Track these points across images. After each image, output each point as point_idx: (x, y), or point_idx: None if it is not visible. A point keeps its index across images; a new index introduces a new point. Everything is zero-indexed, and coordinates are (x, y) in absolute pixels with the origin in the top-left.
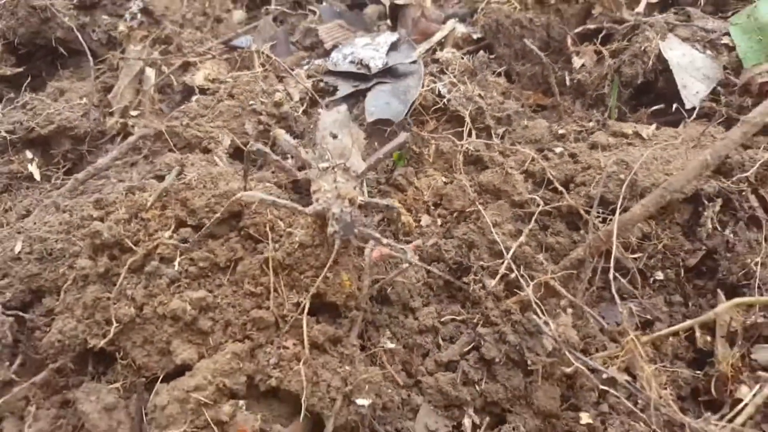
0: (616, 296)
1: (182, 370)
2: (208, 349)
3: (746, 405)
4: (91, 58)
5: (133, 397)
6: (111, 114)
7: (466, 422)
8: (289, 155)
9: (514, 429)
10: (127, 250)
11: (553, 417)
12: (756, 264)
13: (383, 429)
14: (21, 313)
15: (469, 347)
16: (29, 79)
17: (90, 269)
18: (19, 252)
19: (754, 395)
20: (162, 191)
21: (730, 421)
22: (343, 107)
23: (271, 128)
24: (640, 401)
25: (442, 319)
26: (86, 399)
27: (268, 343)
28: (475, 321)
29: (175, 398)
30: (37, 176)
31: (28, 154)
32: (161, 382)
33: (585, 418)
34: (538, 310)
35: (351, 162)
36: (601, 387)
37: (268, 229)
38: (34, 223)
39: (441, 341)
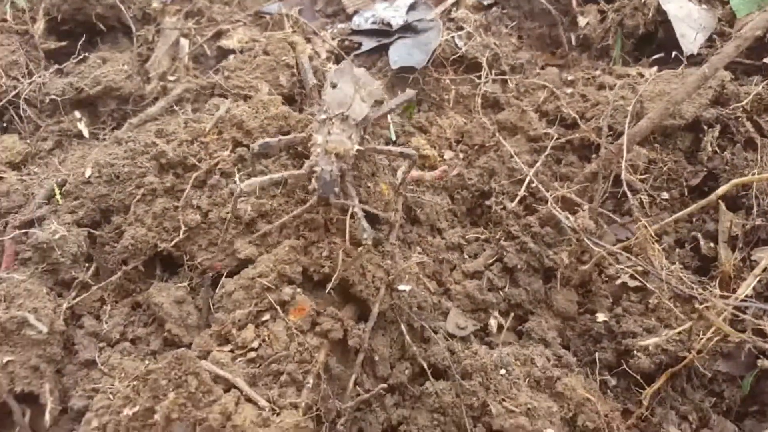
0: (626, 188)
1: (243, 268)
2: (267, 248)
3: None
4: (133, 26)
5: (200, 292)
6: (149, 80)
7: (492, 322)
8: None
9: (536, 325)
10: (190, 168)
11: (570, 319)
12: (753, 175)
13: (419, 324)
14: (92, 230)
15: (493, 259)
16: (74, 51)
17: (157, 185)
18: (89, 176)
19: (753, 269)
20: (218, 118)
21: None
22: (362, 69)
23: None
24: (651, 301)
25: (467, 237)
26: (158, 294)
27: (319, 241)
28: (497, 238)
29: (241, 285)
30: (86, 133)
31: (77, 114)
32: (225, 278)
33: (601, 317)
34: (558, 209)
35: (352, 109)
36: (617, 267)
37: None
38: (100, 154)
39: (466, 257)
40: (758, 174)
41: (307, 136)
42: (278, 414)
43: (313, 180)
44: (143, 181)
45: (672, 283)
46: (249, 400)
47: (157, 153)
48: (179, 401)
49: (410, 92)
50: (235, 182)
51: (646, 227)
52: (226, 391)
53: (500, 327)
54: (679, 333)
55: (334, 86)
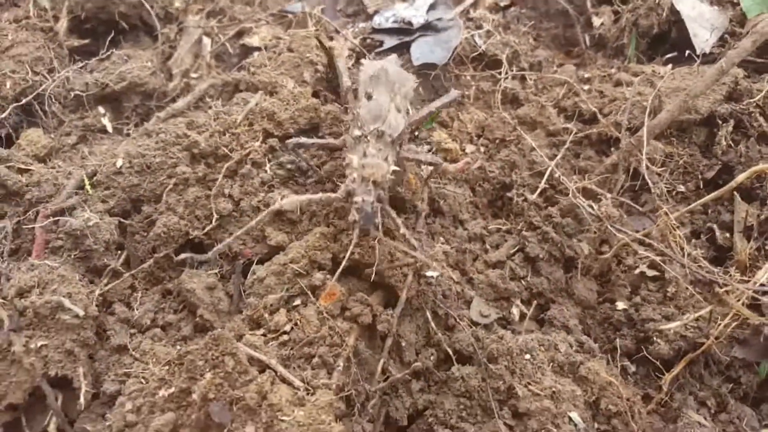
0: (647, 176)
1: (274, 255)
2: (297, 235)
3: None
4: (157, 23)
5: (231, 279)
6: (172, 78)
7: (515, 311)
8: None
9: (558, 313)
10: (221, 158)
11: (591, 308)
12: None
13: (444, 312)
14: (122, 220)
15: (515, 249)
16: (96, 49)
17: (189, 174)
18: (120, 166)
19: None
20: (249, 110)
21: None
22: (393, 56)
23: (325, 77)
24: (669, 290)
25: (489, 228)
26: (190, 280)
27: (349, 228)
28: (519, 228)
29: (272, 271)
30: (110, 129)
31: (101, 110)
32: (256, 264)
33: (621, 305)
34: (581, 198)
35: (387, 123)
36: (638, 255)
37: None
38: (131, 146)
39: (488, 247)
40: None
41: (340, 145)
42: (312, 394)
43: (353, 212)
44: (175, 171)
45: (692, 268)
46: (284, 380)
47: (190, 143)
48: (216, 381)
49: (454, 92)
50: (266, 170)
51: (666, 214)
52: (261, 371)
53: (522, 315)
54: (698, 319)
55: (369, 98)
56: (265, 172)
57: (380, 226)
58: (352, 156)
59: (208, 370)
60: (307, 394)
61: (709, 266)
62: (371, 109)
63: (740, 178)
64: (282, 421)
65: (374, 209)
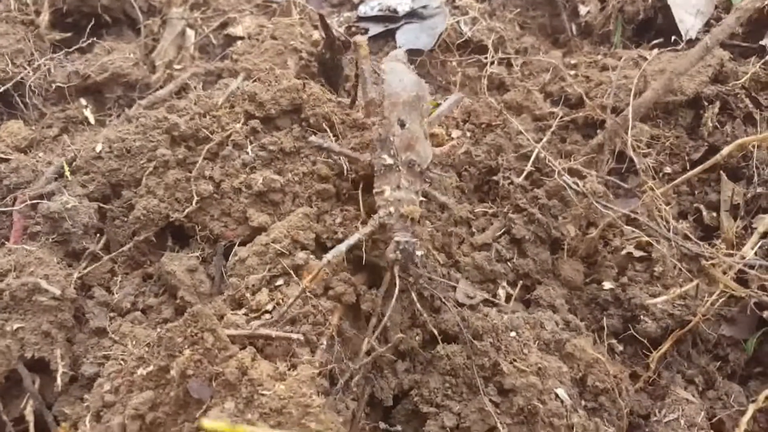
0: (631, 153)
1: (256, 237)
2: (279, 216)
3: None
4: (140, 15)
5: (212, 262)
6: (155, 69)
7: (501, 292)
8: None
9: (544, 293)
10: (202, 140)
11: (577, 289)
12: (753, 146)
13: (429, 293)
14: (102, 205)
15: (501, 232)
16: (78, 42)
17: (170, 157)
18: (100, 151)
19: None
20: (230, 92)
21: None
22: (401, 51)
23: (310, 65)
24: (656, 269)
25: (475, 212)
26: (170, 263)
27: (332, 209)
28: (505, 211)
29: (254, 252)
30: (92, 120)
31: (83, 102)
32: (238, 246)
33: (608, 285)
34: (567, 176)
35: (417, 152)
36: (627, 232)
37: (324, 120)
38: (111, 131)
39: (474, 231)
40: (758, 143)
41: (363, 162)
42: (294, 369)
43: (393, 249)
44: (155, 154)
45: (678, 242)
46: (265, 357)
47: (170, 126)
48: (195, 357)
49: (458, 95)
50: (247, 152)
51: (652, 189)
52: (242, 348)
53: (508, 297)
54: (685, 297)
55: (402, 125)
56: (247, 153)
57: (419, 263)
58: (384, 186)
59: (186, 347)
60: (289, 369)
61: (695, 239)
62: (404, 137)
63: (725, 151)
64: (262, 395)
65: (414, 248)
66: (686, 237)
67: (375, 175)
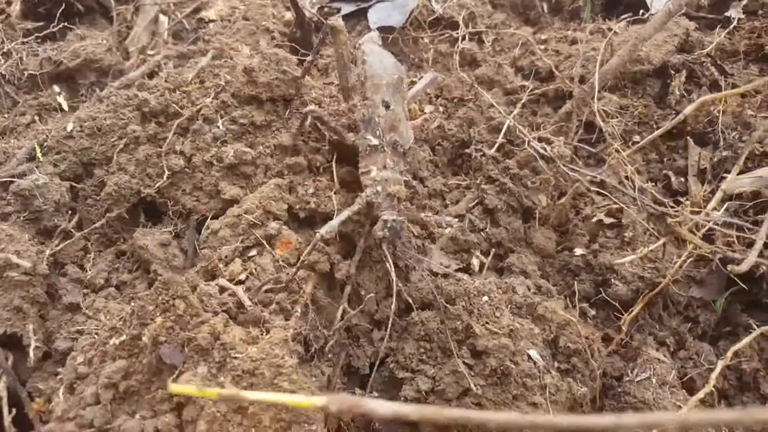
0: (597, 118)
1: (228, 209)
2: (252, 188)
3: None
4: (113, 3)
5: (185, 236)
6: (129, 56)
7: (474, 261)
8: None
9: (516, 260)
10: (172, 116)
11: (549, 256)
12: (718, 111)
13: (403, 263)
14: (74, 184)
15: (474, 203)
16: (51, 32)
17: (140, 132)
18: (71, 130)
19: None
20: (200, 68)
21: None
22: (375, 34)
23: (282, 45)
24: (626, 235)
25: (448, 184)
26: (143, 237)
27: (304, 180)
28: (478, 182)
29: (227, 224)
30: (65, 107)
31: (56, 89)
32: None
33: (579, 251)
34: (536, 143)
35: (400, 134)
36: (592, 189)
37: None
38: (82, 111)
39: (448, 203)
40: (722, 107)
41: (348, 141)
42: (266, 333)
43: (380, 228)
44: (125, 131)
45: (644, 202)
46: (238, 323)
47: (140, 102)
48: (167, 324)
49: (432, 75)
50: (218, 126)
51: (618, 151)
52: (214, 315)
53: (482, 266)
54: (655, 260)
55: (387, 107)
56: (218, 127)
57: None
58: (371, 166)
59: (158, 314)
60: (261, 334)
61: (660, 198)
62: (388, 119)
63: (688, 110)
64: (235, 358)
65: (401, 226)
66: (652, 197)
67: (360, 155)
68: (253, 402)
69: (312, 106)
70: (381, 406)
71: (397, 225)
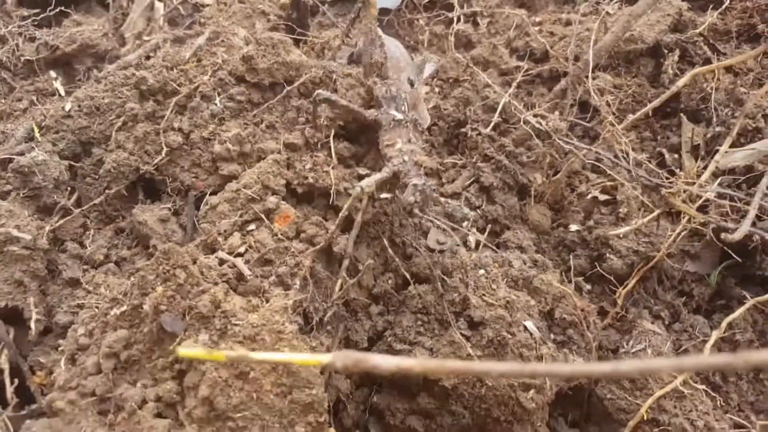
0: (592, 93)
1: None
2: (250, 165)
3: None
4: None
5: (184, 211)
6: (125, 42)
7: (471, 238)
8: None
9: (512, 235)
10: (170, 94)
11: (545, 233)
12: (711, 88)
13: (400, 240)
14: (73, 163)
15: (470, 181)
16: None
17: (138, 110)
18: (69, 110)
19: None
20: (198, 47)
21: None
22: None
23: (278, 28)
24: (621, 211)
25: (444, 163)
26: (142, 213)
27: (302, 156)
28: (473, 161)
29: (225, 198)
30: (62, 92)
31: (52, 74)
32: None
33: (574, 227)
34: (531, 117)
35: (419, 113)
36: (587, 165)
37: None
38: (80, 92)
39: (444, 181)
40: (715, 85)
41: (369, 117)
42: (267, 302)
43: (411, 193)
44: (124, 109)
45: (638, 173)
46: (238, 294)
47: (138, 80)
48: (168, 293)
49: (434, 64)
50: (215, 103)
51: (612, 124)
52: (214, 284)
53: (478, 243)
54: (649, 234)
55: (412, 84)
56: (215, 105)
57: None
58: (396, 139)
59: (159, 284)
60: (261, 303)
61: (655, 169)
62: (412, 95)
63: (681, 82)
64: (236, 325)
65: (431, 190)
66: (646, 169)
67: (383, 129)
68: (260, 362)
69: (320, 91)
70: (385, 361)
71: (428, 189)
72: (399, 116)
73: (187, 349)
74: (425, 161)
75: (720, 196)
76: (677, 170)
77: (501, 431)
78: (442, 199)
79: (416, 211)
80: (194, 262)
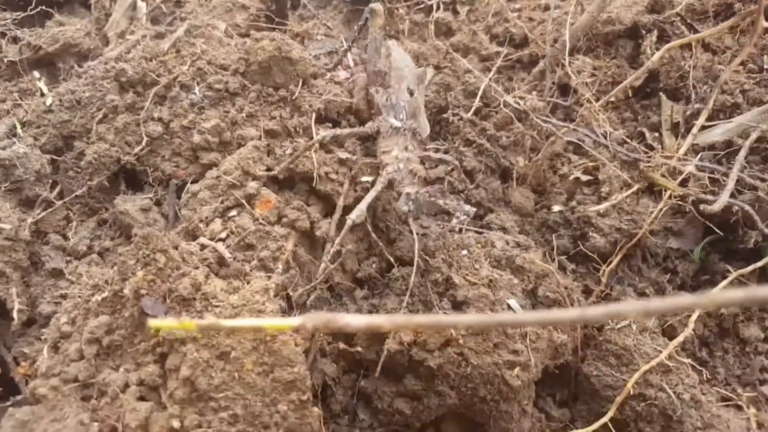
0: (571, 74)
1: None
2: (230, 152)
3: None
4: None
5: (164, 202)
6: (108, 42)
7: (454, 222)
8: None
9: (495, 217)
10: (150, 85)
11: (528, 215)
12: (689, 66)
13: (384, 225)
14: (55, 157)
15: (452, 167)
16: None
17: (119, 102)
18: (50, 104)
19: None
20: (176, 39)
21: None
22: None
23: (259, 20)
24: (603, 190)
25: (427, 148)
26: (124, 203)
27: (282, 143)
28: (456, 146)
29: (206, 185)
30: (46, 91)
31: (36, 74)
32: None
33: (557, 207)
34: (510, 98)
35: (418, 122)
36: (568, 146)
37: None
38: (61, 87)
39: (427, 167)
40: (693, 63)
41: (372, 131)
42: (248, 283)
43: (404, 202)
44: (104, 102)
45: (616, 149)
46: (219, 277)
47: (117, 72)
48: (148, 278)
49: (430, 71)
50: (195, 92)
51: (590, 101)
52: (195, 268)
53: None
54: (632, 212)
55: (411, 94)
56: (195, 94)
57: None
58: (392, 146)
59: (140, 268)
60: (242, 285)
61: (635, 145)
62: (411, 104)
63: (655, 57)
64: (216, 306)
65: (424, 198)
66: (626, 145)
67: (381, 136)
68: (232, 330)
69: (328, 131)
70: (355, 319)
71: (421, 198)
72: (397, 123)
73: (158, 322)
74: (420, 170)
75: (700, 169)
76: (659, 147)
77: (488, 410)
78: (441, 201)
79: (410, 221)
80: (175, 248)
